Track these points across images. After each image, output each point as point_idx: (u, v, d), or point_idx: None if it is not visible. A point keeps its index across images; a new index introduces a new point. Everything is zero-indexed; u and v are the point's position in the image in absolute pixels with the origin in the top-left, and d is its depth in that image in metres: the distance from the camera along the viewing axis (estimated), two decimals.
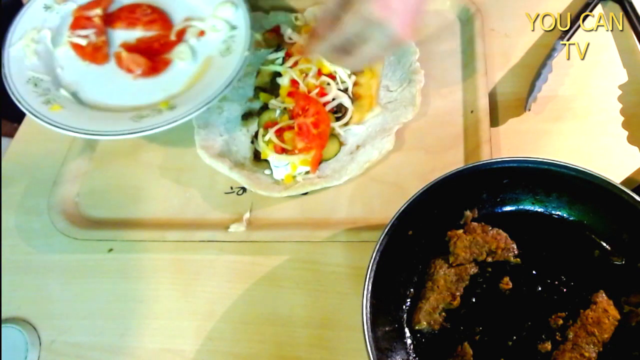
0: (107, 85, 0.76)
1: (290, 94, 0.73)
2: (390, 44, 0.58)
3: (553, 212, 0.60)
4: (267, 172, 0.71)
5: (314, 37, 0.64)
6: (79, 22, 0.79)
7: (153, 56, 0.77)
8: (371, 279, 0.52)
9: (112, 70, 0.77)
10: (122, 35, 0.80)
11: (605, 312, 0.52)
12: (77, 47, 0.78)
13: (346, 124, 0.72)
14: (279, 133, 0.70)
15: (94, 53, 0.78)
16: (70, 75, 0.77)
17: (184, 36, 0.78)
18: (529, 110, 0.70)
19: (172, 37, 0.78)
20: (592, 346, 0.51)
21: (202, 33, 0.78)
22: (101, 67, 0.78)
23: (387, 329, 0.54)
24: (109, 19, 0.81)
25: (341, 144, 0.72)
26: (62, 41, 0.79)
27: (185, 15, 0.81)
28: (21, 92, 0.72)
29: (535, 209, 0.60)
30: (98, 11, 0.80)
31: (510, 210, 0.61)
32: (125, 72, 0.76)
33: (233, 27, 0.77)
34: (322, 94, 0.72)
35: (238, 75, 0.71)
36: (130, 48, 0.78)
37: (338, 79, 0.73)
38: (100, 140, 0.76)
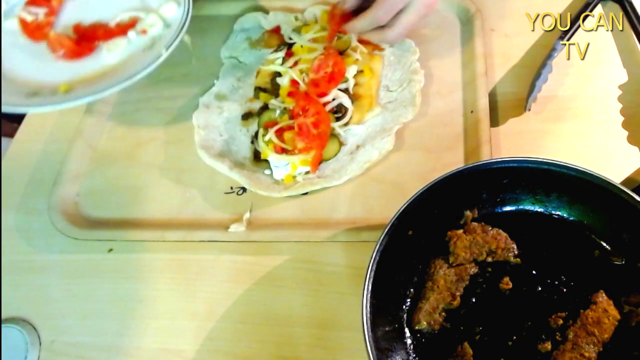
0: (30, 61, 0.77)
1: (290, 94, 0.73)
2: (425, 10, 0.70)
3: (553, 212, 0.60)
4: (267, 172, 0.71)
5: (345, 18, 0.74)
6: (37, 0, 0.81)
7: (82, 41, 0.77)
8: (371, 279, 0.52)
9: (42, 50, 0.78)
10: (83, 15, 0.81)
11: (605, 312, 0.52)
12: (22, 22, 0.79)
13: (346, 124, 0.72)
14: (279, 133, 0.70)
15: (35, 30, 0.79)
16: (5, 45, 0.78)
17: (129, 30, 0.78)
18: (529, 110, 0.70)
19: (112, 26, 0.79)
20: (592, 346, 0.51)
21: (144, 31, 0.77)
22: (36, 45, 0.78)
23: (387, 329, 0.54)
24: None
25: (341, 144, 0.72)
26: (13, 14, 0.80)
27: (134, 4, 0.81)
28: None
29: (535, 209, 0.60)
30: None
31: (510, 210, 0.61)
32: (52, 52, 0.77)
33: (167, 26, 0.77)
34: (322, 94, 0.72)
35: (145, 71, 0.69)
36: (80, 30, 0.79)
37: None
38: None
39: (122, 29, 0.78)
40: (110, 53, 0.76)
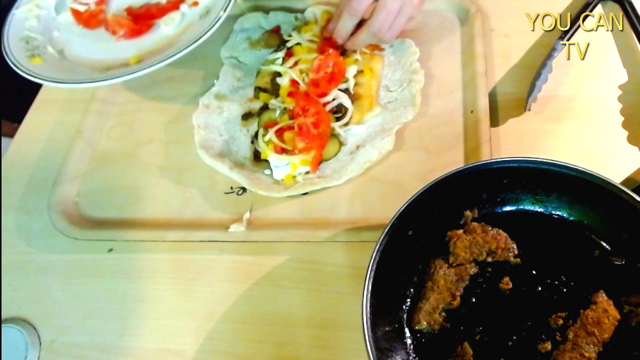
0: (93, 45, 0.82)
1: (290, 94, 0.73)
2: (413, 11, 0.72)
3: (553, 212, 0.60)
4: (267, 172, 0.71)
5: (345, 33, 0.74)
6: None
7: (140, 20, 0.83)
8: (371, 279, 0.52)
9: (101, 33, 0.84)
10: (131, 1, 0.87)
11: (605, 312, 0.52)
12: (75, 13, 0.85)
13: (346, 124, 0.72)
14: (279, 133, 0.70)
15: (89, 19, 0.85)
16: (63, 36, 0.84)
17: (181, 4, 0.83)
18: (529, 110, 0.70)
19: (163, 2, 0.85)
20: (592, 346, 0.51)
21: (195, 3, 0.83)
22: (93, 31, 0.84)
23: (387, 329, 0.54)
24: None
25: (341, 144, 0.72)
26: (64, 7, 0.86)
27: None
28: (12, 46, 0.78)
29: (535, 209, 0.60)
30: None
31: (510, 210, 0.61)
32: (111, 34, 0.83)
33: None
34: (322, 94, 0.72)
35: (208, 33, 0.73)
36: (132, 12, 0.85)
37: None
38: (64, 88, 0.78)
39: (174, 4, 0.84)
40: (167, 26, 0.81)
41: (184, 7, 0.83)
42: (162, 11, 0.84)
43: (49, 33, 0.83)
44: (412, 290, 0.57)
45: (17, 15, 0.83)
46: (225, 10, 0.76)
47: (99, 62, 0.79)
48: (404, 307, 0.57)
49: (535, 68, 0.74)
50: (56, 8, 0.86)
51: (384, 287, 0.53)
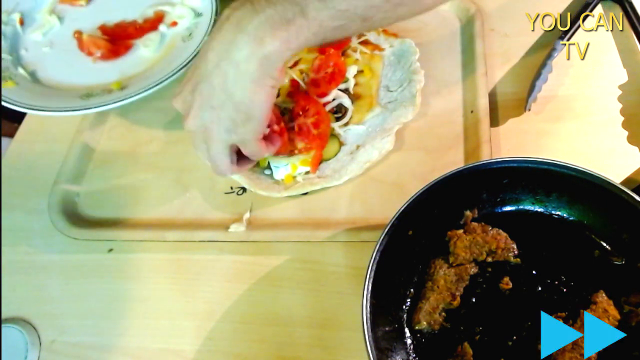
0: (66, 67, 0.79)
1: (290, 94, 0.73)
2: None
3: (553, 212, 0.60)
4: (267, 172, 0.71)
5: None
6: None
7: (117, 40, 0.80)
8: (371, 279, 0.52)
9: (74, 53, 0.80)
10: (105, 16, 0.84)
11: (605, 312, 0.52)
12: None
13: (346, 124, 0.72)
14: None
15: None
16: (32, 56, 0.80)
17: (159, 24, 0.81)
18: (529, 110, 0.70)
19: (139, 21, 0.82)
20: None
21: (174, 23, 0.80)
22: (64, 50, 0.81)
23: (387, 329, 0.54)
24: None
25: (341, 144, 0.72)
26: (33, 24, 0.82)
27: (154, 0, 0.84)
28: None
29: (535, 209, 0.60)
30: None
31: (510, 210, 0.61)
32: (86, 55, 0.79)
33: (198, 15, 0.79)
34: (322, 94, 0.72)
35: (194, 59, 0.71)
36: (107, 30, 0.81)
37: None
38: (45, 115, 0.76)
39: (152, 24, 0.80)
40: (147, 48, 0.78)
41: (162, 28, 0.79)
42: (139, 31, 0.80)
43: (16, 52, 0.79)
44: (412, 290, 0.57)
45: None
46: (209, 36, 0.73)
47: (77, 87, 0.75)
48: (404, 307, 0.57)
49: (535, 68, 0.74)
50: (24, 24, 0.82)
51: (384, 287, 0.53)
